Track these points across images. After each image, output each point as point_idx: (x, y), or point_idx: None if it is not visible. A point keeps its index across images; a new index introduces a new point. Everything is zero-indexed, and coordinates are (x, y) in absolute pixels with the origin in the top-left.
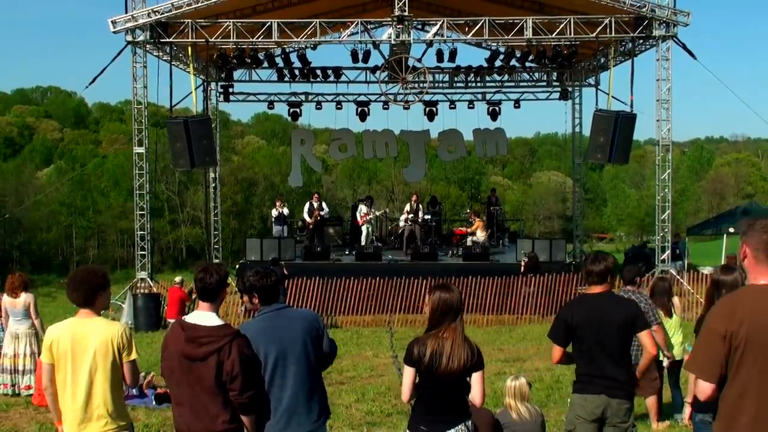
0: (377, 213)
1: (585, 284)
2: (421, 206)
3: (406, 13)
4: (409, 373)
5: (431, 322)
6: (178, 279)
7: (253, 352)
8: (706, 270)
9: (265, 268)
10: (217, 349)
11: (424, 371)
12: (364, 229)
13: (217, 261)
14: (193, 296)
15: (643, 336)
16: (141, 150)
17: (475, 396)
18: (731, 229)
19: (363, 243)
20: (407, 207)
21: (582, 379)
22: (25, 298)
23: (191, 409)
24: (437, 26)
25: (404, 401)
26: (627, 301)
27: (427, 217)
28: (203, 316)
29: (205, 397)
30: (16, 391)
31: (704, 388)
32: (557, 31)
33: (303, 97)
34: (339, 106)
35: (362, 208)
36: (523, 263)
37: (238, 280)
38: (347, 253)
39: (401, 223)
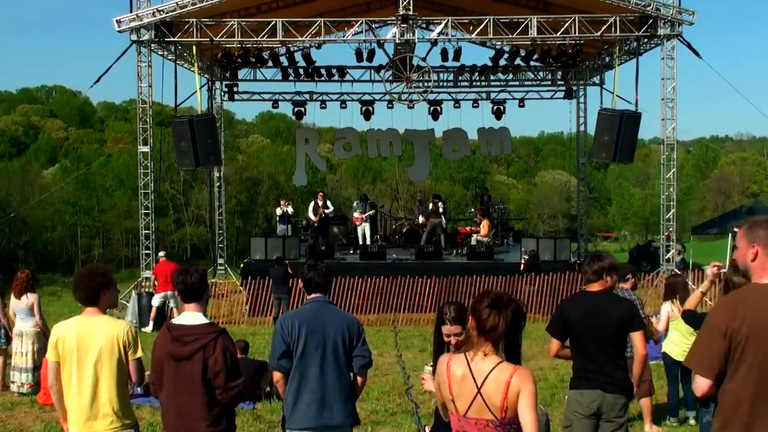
0: (364, 215)
1: (584, 283)
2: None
3: (410, 12)
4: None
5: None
6: (162, 253)
7: (235, 351)
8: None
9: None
10: (202, 346)
11: None
12: (359, 230)
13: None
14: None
15: (636, 336)
16: (146, 149)
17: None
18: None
19: (360, 243)
20: (429, 205)
21: (578, 375)
22: (28, 299)
23: (176, 413)
24: (442, 25)
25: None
26: (624, 301)
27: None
28: (189, 317)
29: (193, 398)
30: (21, 390)
31: (701, 384)
32: (562, 30)
33: (307, 96)
34: (343, 105)
35: (356, 209)
36: (523, 262)
37: (308, 271)
38: (351, 252)
39: (421, 220)
